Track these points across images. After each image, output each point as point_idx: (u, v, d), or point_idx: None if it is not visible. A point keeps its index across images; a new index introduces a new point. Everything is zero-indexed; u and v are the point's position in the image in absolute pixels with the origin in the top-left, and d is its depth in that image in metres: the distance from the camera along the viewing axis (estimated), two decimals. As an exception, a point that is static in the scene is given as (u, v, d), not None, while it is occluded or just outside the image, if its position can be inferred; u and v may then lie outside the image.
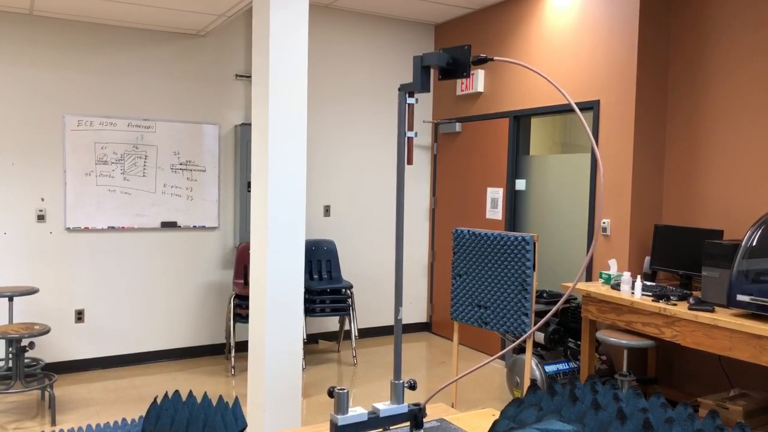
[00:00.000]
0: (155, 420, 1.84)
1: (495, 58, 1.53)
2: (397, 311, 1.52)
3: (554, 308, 1.43)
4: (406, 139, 1.43)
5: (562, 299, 1.44)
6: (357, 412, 1.54)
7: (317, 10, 6.03)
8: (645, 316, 3.84)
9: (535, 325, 4.34)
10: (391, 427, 1.59)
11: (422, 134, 6.69)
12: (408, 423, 1.65)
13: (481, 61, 1.52)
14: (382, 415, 1.54)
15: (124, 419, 2.04)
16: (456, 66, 1.53)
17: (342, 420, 1.51)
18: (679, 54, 4.62)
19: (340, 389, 1.54)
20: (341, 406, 1.53)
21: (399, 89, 1.50)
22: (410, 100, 1.48)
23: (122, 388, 4.87)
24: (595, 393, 1.28)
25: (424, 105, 6.68)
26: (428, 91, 1.56)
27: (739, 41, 4.22)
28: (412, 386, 1.60)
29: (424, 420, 1.88)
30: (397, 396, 1.56)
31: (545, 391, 1.34)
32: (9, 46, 4.94)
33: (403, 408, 1.54)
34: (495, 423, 1.31)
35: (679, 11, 4.61)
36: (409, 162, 1.45)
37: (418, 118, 6.64)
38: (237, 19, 5.74)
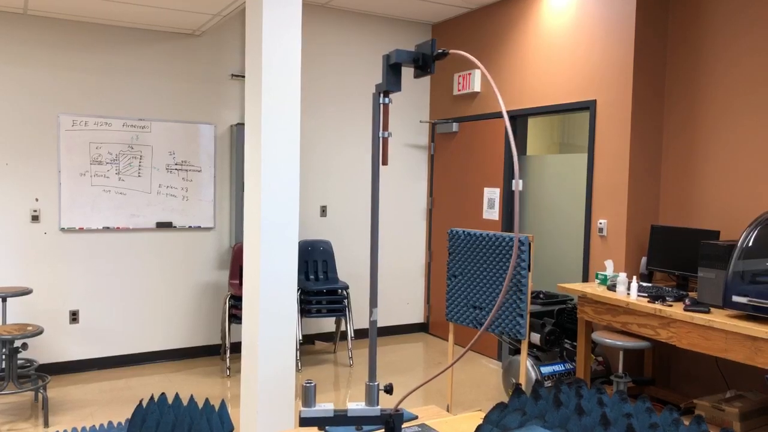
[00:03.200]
0: (140, 423, 1.82)
1: (451, 51, 1.53)
2: (371, 312, 1.50)
3: (490, 317, 1.40)
4: (381, 139, 1.41)
5: (498, 305, 1.41)
6: (325, 407, 1.56)
7: (312, 10, 6.01)
8: (641, 317, 3.82)
9: (529, 327, 4.33)
10: (364, 427, 1.58)
11: (419, 134, 6.67)
12: (383, 428, 1.63)
13: (440, 56, 1.53)
14: (349, 414, 1.55)
15: (110, 422, 2.02)
16: (423, 62, 1.53)
17: (305, 412, 1.54)
18: (675, 54, 4.59)
19: (308, 383, 1.57)
20: (308, 399, 1.56)
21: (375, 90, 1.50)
22: (384, 100, 1.46)
23: (117, 389, 4.85)
24: (580, 397, 1.25)
25: (421, 105, 6.66)
26: (399, 90, 1.55)
27: (735, 40, 4.20)
28: (388, 390, 1.59)
29: (410, 424, 1.86)
30: (370, 398, 1.55)
31: (530, 395, 1.32)
32: (3, 46, 4.92)
33: (374, 410, 1.53)
34: (478, 428, 1.28)
35: (675, 11, 4.59)
36: (384, 162, 1.44)
37: (415, 118, 6.62)
38: (232, 18, 5.72)
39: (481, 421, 1.97)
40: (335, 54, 6.15)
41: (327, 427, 1.58)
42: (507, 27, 5.63)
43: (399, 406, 1.58)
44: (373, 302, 1.54)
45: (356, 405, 1.56)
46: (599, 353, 4.72)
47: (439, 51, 1.53)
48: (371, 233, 1.43)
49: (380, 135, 1.40)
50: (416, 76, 1.62)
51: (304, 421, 1.54)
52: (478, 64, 1.38)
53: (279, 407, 3.54)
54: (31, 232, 5.06)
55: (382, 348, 6.14)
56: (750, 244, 3.36)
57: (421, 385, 1.52)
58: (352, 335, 5.79)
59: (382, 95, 1.47)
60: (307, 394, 1.56)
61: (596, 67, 4.77)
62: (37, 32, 5.01)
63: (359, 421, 1.52)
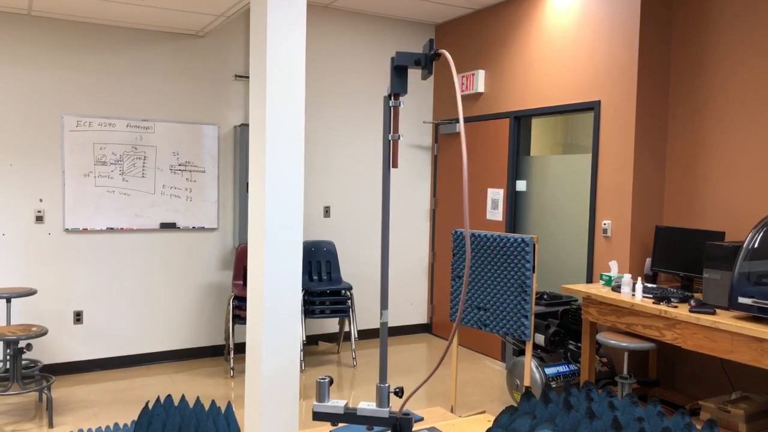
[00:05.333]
0: (146, 425, 1.81)
1: (440, 51, 1.55)
2: (381, 314, 1.51)
3: (459, 311, 1.40)
4: (390, 142, 1.41)
5: (455, 328, 1.41)
6: (337, 404, 1.60)
7: (316, 11, 6.01)
8: (646, 318, 3.81)
9: (533, 327, 4.32)
10: (375, 427, 1.60)
11: (423, 135, 6.67)
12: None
13: (434, 57, 1.56)
14: (359, 413, 1.59)
15: (116, 424, 2.02)
16: (424, 63, 1.56)
17: (317, 407, 1.60)
18: (680, 54, 4.58)
19: (322, 378, 1.61)
20: (322, 394, 1.61)
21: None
22: (393, 103, 1.47)
23: (120, 390, 4.86)
24: (590, 401, 1.25)
25: (424, 105, 6.65)
26: (404, 92, 1.57)
27: (740, 41, 4.19)
28: (397, 393, 1.59)
29: (419, 426, 1.85)
30: (381, 399, 1.57)
31: (540, 398, 1.32)
32: (7, 47, 4.92)
33: (383, 412, 1.55)
34: (488, 431, 1.28)
35: (680, 11, 4.58)
36: (394, 165, 1.44)
37: (418, 119, 6.61)
38: (236, 19, 5.72)
39: (488, 424, 1.96)
40: (338, 55, 6.15)
41: (339, 424, 1.60)
42: (510, 27, 5.62)
43: (407, 409, 1.58)
44: (384, 304, 1.54)
45: (367, 405, 1.59)
46: (603, 354, 4.71)
47: (432, 52, 1.55)
48: (382, 236, 1.43)
49: (389, 137, 1.40)
50: (423, 77, 1.62)
51: (316, 415, 1.60)
52: (453, 70, 1.39)
53: (283, 408, 3.53)
54: (35, 233, 5.06)
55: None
56: (756, 245, 3.35)
57: (417, 388, 1.53)
58: (356, 336, 5.79)
59: (392, 98, 1.47)
60: (321, 390, 1.61)
61: (600, 68, 4.76)
62: (41, 33, 5.02)
63: (368, 420, 1.54)
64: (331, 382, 1.61)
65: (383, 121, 1.45)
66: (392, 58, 1.62)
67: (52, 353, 5.17)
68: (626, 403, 1.24)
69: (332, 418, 1.60)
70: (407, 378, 5.27)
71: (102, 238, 5.28)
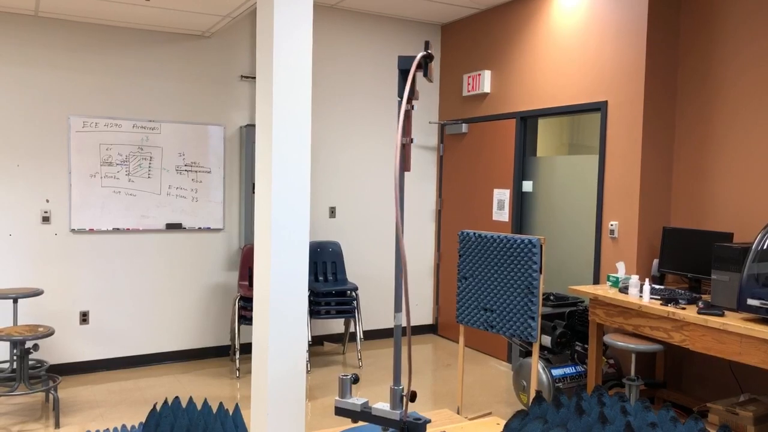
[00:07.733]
0: (154, 427, 1.81)
1: (430, 51, 1.57)
2: (395, 317, 1.51)
3: (405, 303, 1.38)
4: (400, 145, 1.42)
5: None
6: (356, 401, 1.67)
7: (322, 11, 6.00)
8: (653, 320, 3.79)
9: (540, 328, 4.30)
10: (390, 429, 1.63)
11: (428, 135, 6.66)
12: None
13: (429, 58, 1.59)
14: (373, 412, 1.65)
15: (123, 425, 2.02)
16: (424, 65, 1.58)
17: (338, 402, 1.68)
18: (687, 55, 4.56)
19: (344, 375, 1.68)
20: (344, 390, 1.68)
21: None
22: (404, 107, 1.48)
23: (127, 390, 4.86)
24: (602, 405, 1.24)
25: (430, 106, 6.64)
26: (412, 96, 1.59)
27: (748, 43, 4.17)
28: (410, 398, 1.60)
29: (429, 429, 1.85)
30: (394, 401, 1.59)
31: (551, 402, 1.31)
32: (14, 48, 4.93)
33: (394, 414, 1.57)
34: (499, 435, 1.27)
35: (687, 11, 4.56)
36: (406, 169, 1.43)
37: (424, 119, 6.60)
38: (242, 19, 5.72)
39: (497, 427, 1.95)
40: (344, 55, 6.14)
41: (359, 422, 1.64)
42: (517, 27, 5.61)
43: (417, 413, 1.58)
44: (398, 307, 1.54)
45: (383, 405, 1.61)
46: (610, 356, 4.69)
47: (425, 53, 1.58)
48: (396, 239, 1.43)
49: (401, 141, 1.40)
50: (429, 80, 1.63)
51: (337, 410, 1.67)
52: (412, 71, 1.39)
53: (289, 408, 3.53)
54: (42, 233, 5.07)
55: (391, 349, 6.13)
56: (765, 246, 3.33)
57: (407, 394, 1.56)
58: (362, 336, 5.78)
59: (405, 102, 1.48)
60: (342, 386, 1.67)
61: (607, 68, 4.74)
62: (47, 34, 5.03)
63: (380, 421, 1.56)
64: (355, 380, 1.66)
65: (397, 124, 1.45)
66: (398, 62, 1.63)
67: (58, 353, 5.18)
68: (638, 407, 1.23)
69: (350, 414, 1.67)
70: (413, 379, 5.26)
71: (108, 238, 5.29)
